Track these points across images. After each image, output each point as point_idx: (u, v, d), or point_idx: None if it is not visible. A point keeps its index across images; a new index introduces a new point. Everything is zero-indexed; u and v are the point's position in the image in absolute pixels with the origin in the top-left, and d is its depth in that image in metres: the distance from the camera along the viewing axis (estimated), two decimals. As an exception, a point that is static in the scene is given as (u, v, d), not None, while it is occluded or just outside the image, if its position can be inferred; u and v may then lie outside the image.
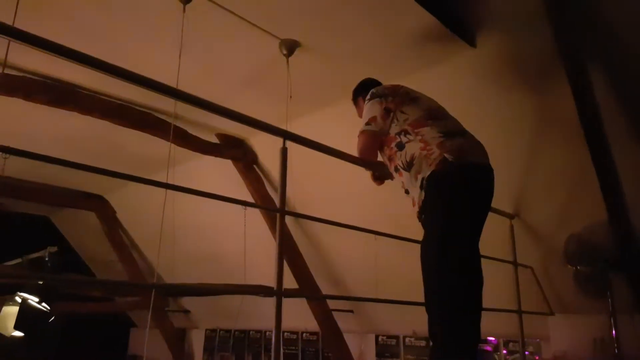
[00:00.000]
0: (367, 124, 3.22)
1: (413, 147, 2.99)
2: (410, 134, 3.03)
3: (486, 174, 2.99)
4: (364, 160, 3.35)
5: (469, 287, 2.73)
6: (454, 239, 2.78)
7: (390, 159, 3.20)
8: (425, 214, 2.93)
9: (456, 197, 2.85)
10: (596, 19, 3.77)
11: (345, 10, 3.94)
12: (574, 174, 4.42)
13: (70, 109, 5.00)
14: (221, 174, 6.99)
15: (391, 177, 3.39)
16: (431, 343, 2.83)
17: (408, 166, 3.00)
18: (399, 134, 3.09)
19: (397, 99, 3.19)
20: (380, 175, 3.50)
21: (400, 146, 3.07)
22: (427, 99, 3.24)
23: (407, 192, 3.12)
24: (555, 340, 5.00)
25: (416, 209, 3.01)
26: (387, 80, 3.78)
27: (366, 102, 3.33)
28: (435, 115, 3.09)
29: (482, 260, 2.91)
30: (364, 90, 3.56)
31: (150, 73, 2.41)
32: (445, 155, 2.84)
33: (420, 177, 2.93)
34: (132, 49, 4.55)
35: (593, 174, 3.91)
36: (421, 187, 2.92)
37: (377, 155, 3.32)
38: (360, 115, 3.51)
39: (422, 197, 2.92)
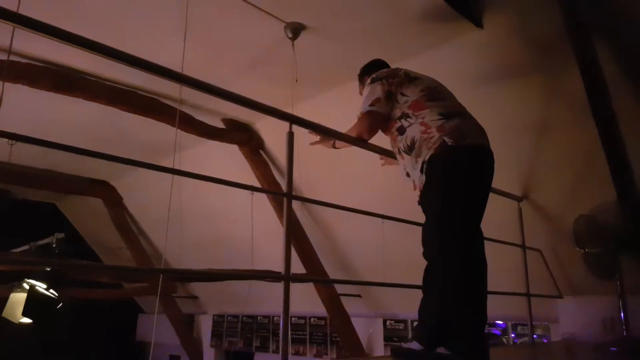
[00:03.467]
0: (372, 105, 3.19)
1: (414, 131, 2.98)
2: (410, 117, 3.02)
3: (485, 154, 2.97)
4: (361, 140, 3.31)
5: (471, 270, 2.72)
6: (456, 222, 2.78)
7: (393, 142, 3.19)
8: (426, 197, 2.94)
9: (456, 180, 2.84)
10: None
11: (351, -9, 3.91)
12: (582, 154, 4.40)
13: (75, 95, 5.00)
14: (227, 159, 6.98)
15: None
16: (417, 322, 2.83)
17: (409, 149, 3.00)
18: (399, 118, 3.09)
19: (397, 80, 3.16)
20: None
21: (401, 130, 3.07)
22: (427, 79, 3.21)
23: (408, 175, 3.12)
24: (564, 323, 5.00)
25: (417, 192, 3.02)
26: (392, 61, 3.74)
27: (367, 85, 3.31)
28: (434, 95, 3.06)
29: (491, 243, 2.90)
30: (373, 70, 3.51)
31: (155, 58, 2.40)
32: (445, 138, 2.83)
33: (420, 160, 2.93)
34: (137, 34, 4.52)
35: (601, 153, 3.89)
36: (422, 171, 2.93)
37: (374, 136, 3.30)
38: (361, 93, 3.50)
39: (423, 181, 2.93)
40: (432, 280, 2.79)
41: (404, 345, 2.82)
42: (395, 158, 3.29)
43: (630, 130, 3.82)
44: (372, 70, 3.45)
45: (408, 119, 3.02)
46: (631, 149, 3.82)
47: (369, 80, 3.31)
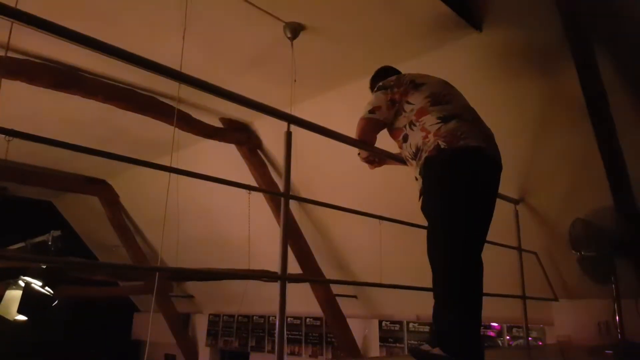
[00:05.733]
0: (371, 112, 3.21)
1: (416, 137, 3.01)
2: (415, 124, 3.04)
3: (483, 156, 2.94)
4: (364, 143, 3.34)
5: (467, 272, 2.71)
6: (451, 223, 2.78)
7: (400, 150, 3.22)
8: (423, 199, 2.95)
9: (449, 182, 2.84)
10: (604, 1, 3.74)
11: (350, -8, 3.91)
12: (579, 158, 4.40)
13: (73, 93, 4.99)
14: (225, 158, 6.97)
15: (390, 163, 3.54)
16: (434, 327, 2.82)
17: (414, 156, 3.03)
18: (405, 126, 3.11)
19: (402, 88, 3.17)
20: (373, 159, 3.52)
21: (405, 138, 3.10)
22: (433, 83, 3.20)
23: (416, 179, 3.14)
24: (559, 325, 5.00)
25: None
26: (391, 62, 3.75)
27: (373, 93, 3.33)
28: (438, 100, 3.06)
29: (487, 245, 2.89)
30: (380, 78, 3.51)
31: (153, 56, 2.39)
32: (439, 141, 2.85)
33: (420, 164, 2.96)
34: (136, 32, 4.52)
35: (598, 157, 3.89)
36: (420, 174, 2.96)
37: (374, 142, 3.32)
38: None
39: (421, 184, 2.96)
40: (436, 283, 2.80)
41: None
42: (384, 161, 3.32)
43: (628, 134, 3.83)
44: (379, 79, 3.46)
45: (412, 126, 3.04)
46: (628, 153, 3.83)
47: (375, 89, 3.33)
